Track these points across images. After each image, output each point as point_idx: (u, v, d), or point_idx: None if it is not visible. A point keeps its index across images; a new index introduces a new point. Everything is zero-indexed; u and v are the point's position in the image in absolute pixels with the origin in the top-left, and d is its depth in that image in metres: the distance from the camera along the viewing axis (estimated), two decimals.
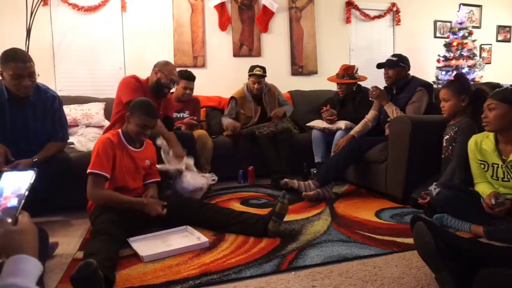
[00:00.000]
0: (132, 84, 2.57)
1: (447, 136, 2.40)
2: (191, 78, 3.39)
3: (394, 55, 3.01)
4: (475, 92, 2.35)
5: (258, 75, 3.57)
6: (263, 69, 3.62)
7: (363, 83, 3.56)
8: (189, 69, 3.51)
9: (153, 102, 2.20)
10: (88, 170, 1.99)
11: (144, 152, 2.21)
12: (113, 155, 2.05)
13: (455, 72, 2.32)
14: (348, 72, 3.41)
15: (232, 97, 3.70)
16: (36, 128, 2.30)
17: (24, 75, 2.12)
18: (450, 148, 2.37)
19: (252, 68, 3.63)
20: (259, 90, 3.63)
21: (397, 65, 2.89)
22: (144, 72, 2.79)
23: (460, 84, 2.37)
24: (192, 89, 3.42)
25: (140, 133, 2.11)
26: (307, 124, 3.47)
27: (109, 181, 2.06)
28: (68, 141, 2.58)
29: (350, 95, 3.43)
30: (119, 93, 2.59)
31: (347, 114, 3.31)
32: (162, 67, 2.65)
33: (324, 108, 3.34)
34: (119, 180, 2.09)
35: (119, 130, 2.18)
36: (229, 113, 3.66)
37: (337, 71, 3.53)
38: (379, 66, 3.03)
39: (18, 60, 2.10)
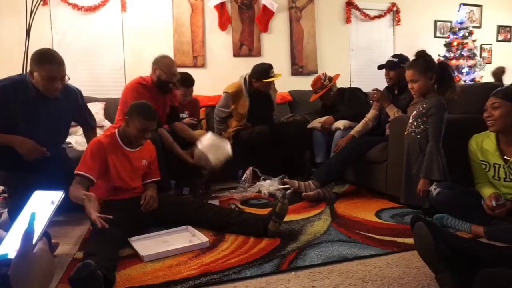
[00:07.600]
0: (137, 89, 2.58)
1: (414, 112, 2.31)
2: (189, 84, 3.21)
3: (394, 56, 2.99)
4: (440, 67, 2.26)
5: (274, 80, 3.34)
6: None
7: (357, 82, 3.55)
8: (188, 71, 3.38)
9: (151, 104, 2.18)
10: (75, 171, 1.98)
11: (140, 152, 2.20)
12: (102, 158, 2.03)
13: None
14: (317, 86, 3.43)
15: (226, 92, 3.42)
16: (59, 125, 2.30)
17: (57, 78, 2.08)
18: (415, 124, 2.29)
19: (266, 70, 3.30)
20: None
21: (398, 66, 2.86)
22: (144, 73, 2.79)
23: (424, 61, 2.25)
24: (191, 94, 3.30)
25: (140, 137, 2.10)
26: (308, 126, 3.47)
27: (106, 182, 2.07)
28: (66, 140, 2.58)
29: (338, 98, 3.46)
30: (125, 99, 2.58)
31: (342, 114, 3.31)
32: (159, 63, 2.64)
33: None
34: (116, 181, 2.09)
35: (115, 130, 2.17)
36: (225, 106, 3.41)
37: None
38: (380, 67, 3.02)
39: (55, 62, 2.05)
